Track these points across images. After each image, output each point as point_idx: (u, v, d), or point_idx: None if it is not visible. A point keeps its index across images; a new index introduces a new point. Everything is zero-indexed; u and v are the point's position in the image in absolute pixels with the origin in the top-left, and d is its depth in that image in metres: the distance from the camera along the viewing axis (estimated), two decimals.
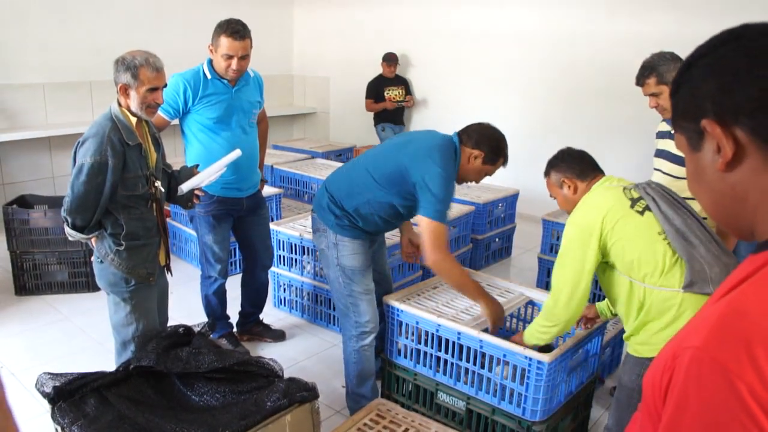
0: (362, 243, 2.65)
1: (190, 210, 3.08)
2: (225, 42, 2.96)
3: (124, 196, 2.39)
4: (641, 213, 2.03)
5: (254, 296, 3.61)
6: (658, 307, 1.97)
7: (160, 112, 2.96)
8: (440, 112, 6.82)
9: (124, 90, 2.36)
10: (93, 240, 2.48)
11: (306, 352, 3.52)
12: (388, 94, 6.69)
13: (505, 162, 2.62)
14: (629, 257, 2.01)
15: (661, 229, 2.00)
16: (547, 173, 2.33)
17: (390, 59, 6.67)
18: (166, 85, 2.45)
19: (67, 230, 2.41)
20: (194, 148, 3.17)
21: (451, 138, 2.57)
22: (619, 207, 2.04)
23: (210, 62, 3.10)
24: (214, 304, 3.45)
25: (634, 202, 2.06)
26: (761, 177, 0.73)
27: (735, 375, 0.64)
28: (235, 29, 2.97)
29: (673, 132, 2.67)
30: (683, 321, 1.92)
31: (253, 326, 3.65)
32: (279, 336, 3.69)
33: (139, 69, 2.33)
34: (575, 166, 2.25)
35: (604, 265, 2.12)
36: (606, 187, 2.16)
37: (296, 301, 3.98)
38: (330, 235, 2.64)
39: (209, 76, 3.07)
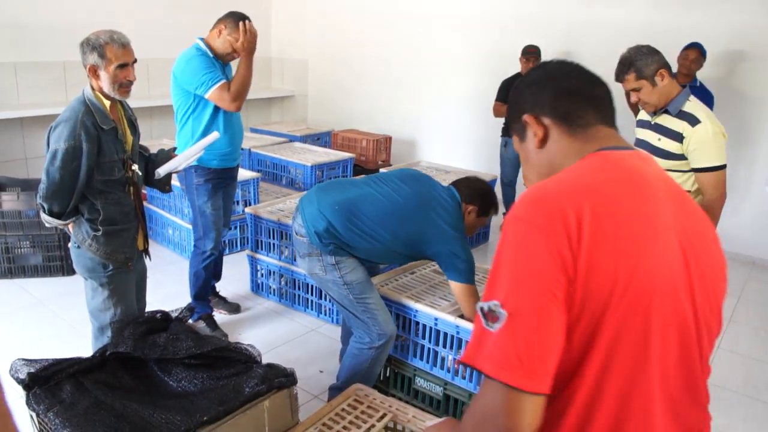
0: (357, 257, 2.64)
1: (187, 182, 3.30)
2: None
3: (100, 181, 2.36)
4: None
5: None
6: None
7: (222, 83, 3.10)
8: (423, 98, 6.81)
9: (94, 71, 2.32)
10: (70, 226, 2.44)
11: (284, 337, 3.52)
12: None
13: (495, 211, 2.80)
14: None
15: None
16: None
17: (529, 53, 5.30)
18: (135, 61, 2.39)
19: (44, 217, 2.37)
20: (195, 123, 3.25)
21: (453, 194, 2.67)
22: None
23: (204, 43, 3.21)
24: (203, 279, 3.49)
25: None
26: (559, 144, 1.17)
27: (525, 220, 1.01)
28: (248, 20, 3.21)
29: (652, 122, 2.70)
30: None
31: (209, 297, 3.68)
32: (234, 309, 3.77)
33: (105, 47, 2.29)
34: None
35: None
36: None
37: (274, 286, 3.98)
38: (326, 258, 2.59)
39: (210, 56, 3.19)
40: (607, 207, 1.01)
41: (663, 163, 2.66)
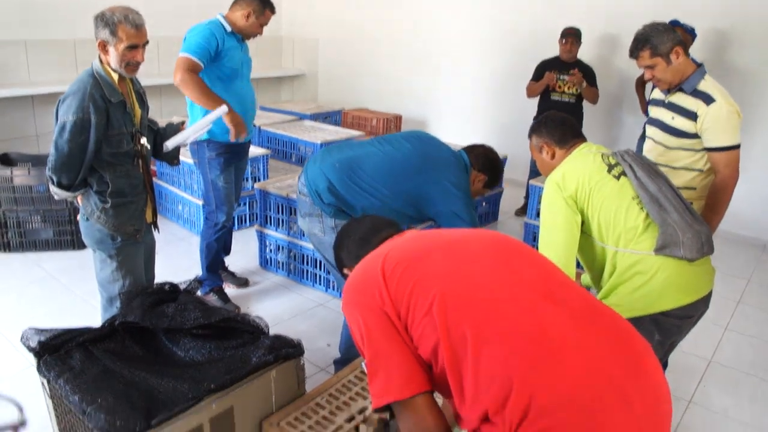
0: None
1: (200, 156, 3.31)
2: (269, 15, 3.32)
3: (109, 154, 2.36)
4: (617, 178, 2.06)
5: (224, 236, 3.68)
6: (629, 271, 1.99)
7: (195, 59, 3.04)
8: (435, 77, 6.76)
9: (103, 46, 2.31)
10: (79, 198, 2.46)
11: (291, 311, 3.55)
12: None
13: (498, 184, 2.79)
14: (602, 220, 2.03)
15: (636, 194, 2.03)
16: (529, 137, 2.37)
17: (568, 34, 4.87)
18: (147, 42, 2.37)
19: (53, 189, 2.38)
20: None
21: (462, 157, 2.67)
22: (595, 171, 2.08)
23: (224, 18, 3.24)
24: (215, 251, 3.52)
25: (611, 167, 2.10)
26: None
27: (350, 304, 1.47)
28: (273, 5, 3.34)
29: (666, 101, 2.67)
30: (654, 284, 1.95)
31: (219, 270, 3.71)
32: (243, 283, 3.80)
33: (118, 26, 2.26)
34: (555, 132, 2.27)
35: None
36: (584, 153, 2.19)
37: (282, 261, 4.00)
38: (327, 220, 2.61)
39: (228, 30, 3.21)
40: (395, 252, 1.43)
41: (676, 141, 2.63)
